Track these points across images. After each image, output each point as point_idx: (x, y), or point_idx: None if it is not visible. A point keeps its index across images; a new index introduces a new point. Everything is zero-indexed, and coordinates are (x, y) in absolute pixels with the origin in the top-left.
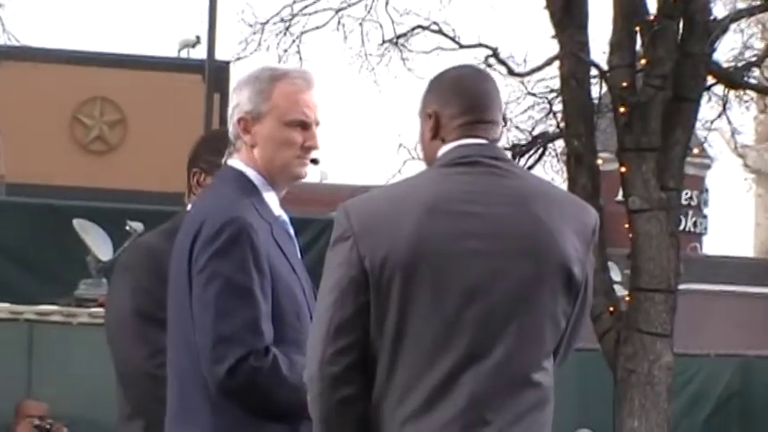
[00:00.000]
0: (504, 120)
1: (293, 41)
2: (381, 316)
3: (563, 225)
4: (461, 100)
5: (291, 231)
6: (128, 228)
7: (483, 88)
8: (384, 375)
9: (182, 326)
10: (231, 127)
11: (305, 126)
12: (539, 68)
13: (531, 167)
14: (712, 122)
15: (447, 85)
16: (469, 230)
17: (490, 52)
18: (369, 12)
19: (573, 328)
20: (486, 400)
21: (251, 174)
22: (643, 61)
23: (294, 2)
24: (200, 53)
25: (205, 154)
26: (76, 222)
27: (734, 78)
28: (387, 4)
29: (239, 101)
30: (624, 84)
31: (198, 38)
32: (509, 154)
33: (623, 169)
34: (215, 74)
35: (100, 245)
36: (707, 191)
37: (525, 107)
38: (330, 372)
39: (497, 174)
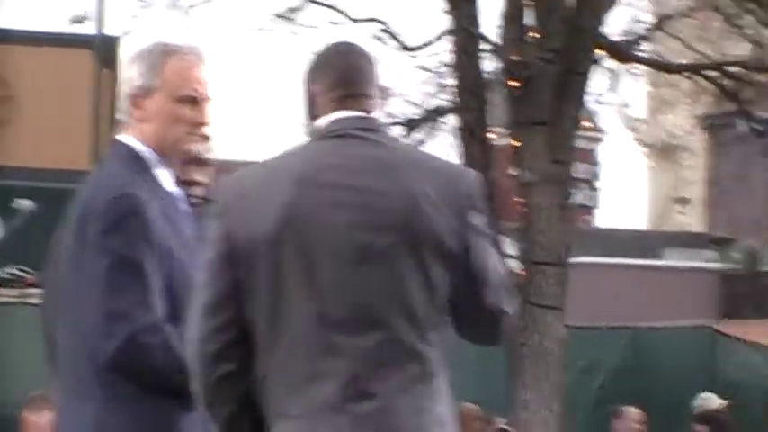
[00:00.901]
0: (385, 92)
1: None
2: (254, 290)
3: (434, 194)
4: (333, 75)
5: (186, 207)
6: (15, 205)
7: (354, 62)
8: (264, 350)
9: (72, 301)
10: (121, 102)
11: (196, 102)
12: (430, 43)
13: (423, 141)
14: (603, 96)
15: (321, 62)
16: (338, 202)
17: (381, 27)
18: None
19: (464, 297)
20: (368, 373)
21: (142, 149)
22: (533, 35)
23: None
24: (89, 28)
25: None
26: None
27: (624, 52)
28: None
29: (130, 76)
30: (515, 58)
31: (86, 12)
32: (402, 128)
33: (515, 143)
34: (104, 49)
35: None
36: (598, 164)
37: (418, 82)
38: (208, 349)
39: (367, 145)
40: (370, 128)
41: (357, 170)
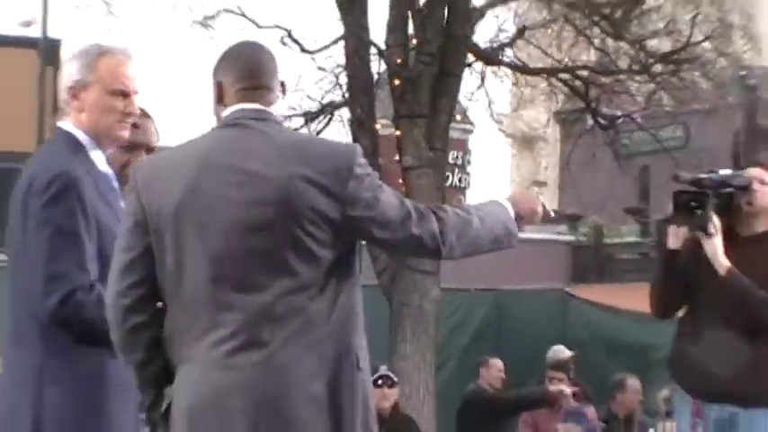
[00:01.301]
0: (283, 85)
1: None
2: (162, 255)
3: (312, 173)
4: (236, 70)
5: (115, 185)
6: None
7: (256, 59)
8: (170, 305)
9: (16, 264)
10: (62, 94)
11: (125, 95)
12: (327, 47)
13: (320, 131)
14: (473, 94)
15: (226, 58)
16: (230, 180)
17: (285, 33)
18: None
19: (378, 240)
20: (257, 326)
21: (79, 135)
22: (414, 41)
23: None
24: (36, 32)
25: None
26: None
27: (490, 57)
28: None
29: (69, 72)
30: (399, 60)
31: (33, 18)
32: (302, 119)
33: (398, 133)
34: (48, 49)
35: None
36: (469, 152)
37: (316, 80)
38: (121, 304)
39: (258, 134)
40: (263, 118)
41: (247, 155)
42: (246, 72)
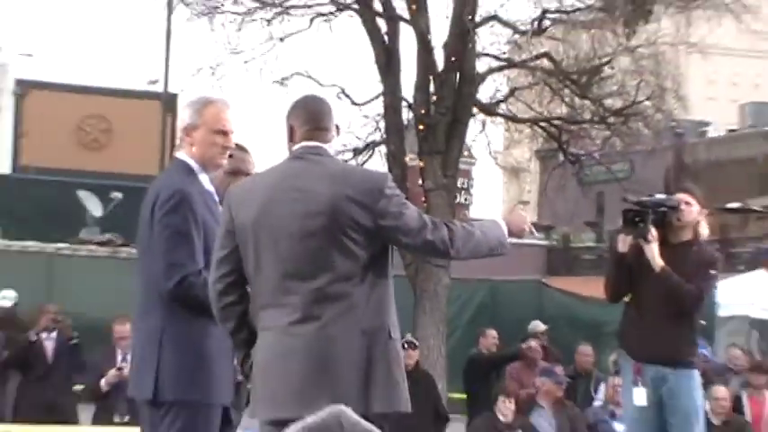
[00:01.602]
0: (338, 127)
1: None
2: (245, 253)
3: (352, 191)
4: (303, 116)
5: (216, 199)
6: (111, 196)
7: (317, 108)
8: (253, 289)
9: (144, 256)
10: (179, 134)
11: (224, 133)
12: (370, 101)
13: (364, 163)
14: (476, 137)
15: (297, 107)
16: (292, 198)
17: (340, 90)
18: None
19: (402, 244)
20: (314, 302)
21: (191, 162)
22: (434, 98)
23: (217, 66)
24: (159, 88)
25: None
26: (80, 192)
27: (489, 109)
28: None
29: (184, 117)
30: (422, 111)
31: (157, 79)
32: (351, 153)
33: (422, 164)
34: (168, 101)
35: (93, 206)
36: (473, 179)
37: (361, 124)
38: (216, 288)
39: (314, 164)
40: (319, 153)
41: (305, 179)
42: (310, 118)
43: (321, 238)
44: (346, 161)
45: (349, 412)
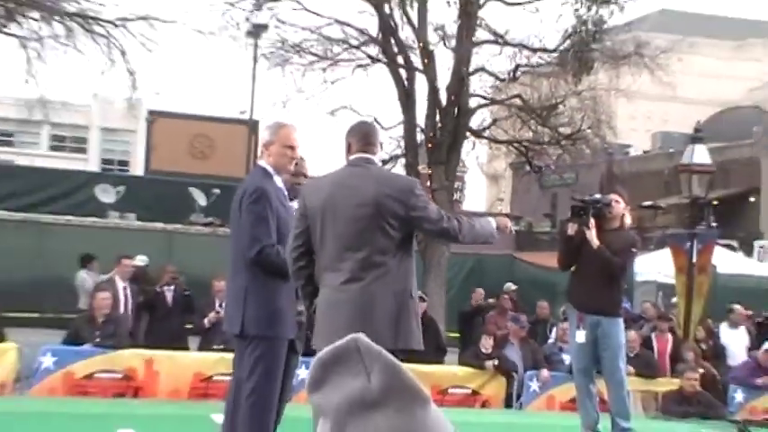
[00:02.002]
0: (381, 144)
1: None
2: (314, 231)
3: (391, 190)
4: (357, 135)
5: (285, 193)
6: (212, 191)
7: (368, 130)
8: (317, 257)
9: (234, 233)
10: (260, 148)
11: (292, 148)
12: (394, 126)
13: (390, 170)
14: (468, 153)
15: (353, 129)
16: (347, 194)
17: (373, 118)
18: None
19: (423, 230)
20: (359, 268)
21: (268, 168)
22: (440, 124)
23: (287, 101)
24: (246, 117)
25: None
26: (190, 189)
27: (478, 133)
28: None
29: (263, 136)
30: (431, 134)
31: (245, 110)
32: (379, 162)
33: (430, 172)
34: (252, 126)
35: (200, 199)
36: (465, 183)
37: (387, 143)
38: (291, 256)
39: (363, 169)
40: (368, 162)
41: (358, 180)
42: (363, 137)
43: (367, 223)
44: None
45: (364, 338)
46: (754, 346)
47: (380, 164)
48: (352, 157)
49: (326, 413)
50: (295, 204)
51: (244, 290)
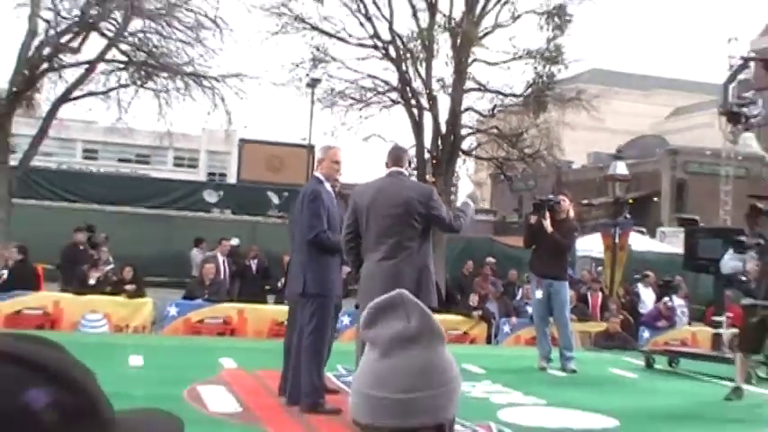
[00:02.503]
0: (410, 161)
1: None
2: (360, 222)
3: (416, 195)
4: (393, 154)
5: (333, 195)
6: (282, 194)
7: (398, 152)
8: (363, 241)
9: (297, 223)
10: (316, 164)
11: (337, 163)
12: (409, 148)
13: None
14: (460, 167)
15: (391, 150)
16: (385, 196)
17: (394, 142)
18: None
19: (437, 225)
20: (391, 250)
21: (321, 177)
22: (440, 146)
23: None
24: (305, 142)
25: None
26: (268, 192)
27: (467, 153)
28: (363, 127)
29: (319, 154)
30: (435, 154)
31: (305, 137)
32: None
33: (434, 180)
34: (310, 149)
35: (274, 199)
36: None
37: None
38: (345, 239)
39: (397, 179)
40: (400, 174)
41: (393, 187)
42: (396, 157)
43: (398, 218)
44: None
45: (406, 292)
46: (658, 299)
47: (408, 175)
48: (389, 170)
49: (376, 344)
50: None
51: (303, 264)
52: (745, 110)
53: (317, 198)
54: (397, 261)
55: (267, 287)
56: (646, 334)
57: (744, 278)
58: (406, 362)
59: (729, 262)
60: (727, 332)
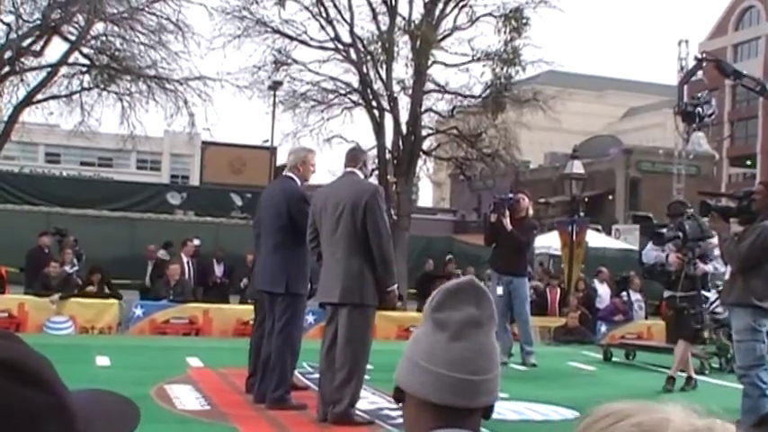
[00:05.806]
0: (365, 162)
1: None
2: (318, 223)
3: (360, 193)
4: (346, 157)
5: (307, 197)
6: (245, 196)
7: (352, 153)
8: (321, 240)
9: (272, 219)
10: (291, 165)
11: (313, 166)
12: (371, 149)
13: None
14: (420, 167)
15: (348, 151)
16: (332, 196)
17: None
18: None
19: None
20: (338, 249)
21: (296, 178)
22: (402, 147)
23: (296, 133)
24: (267, 144)
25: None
26: (231, 194)
27: (428, 153)
28: (326, 128)
29: (297, 156)
30: (396, 154)
31: (267, 140)
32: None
33: (395, 180)
34: (272, 151)
35: (237, 201)
36: (419, 187)
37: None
38: (308, 238)
39: (347, 179)
40: (353, 173)
41: (343, 187)
42: (351, 156)
43: (345, 216)
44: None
45: (476, 280)
46: (614, 294)
47: (362, 176)
48: (344, 170)
49: (446, 325)
50: None
51: (282, 262)
52: (699, 109)
53: (304, 199)
54: (341, 256)
55: (230, 287)
56: (603, 328)
57: (669, 269)
58: (475, 345)
59: (651, 252)
60: None
